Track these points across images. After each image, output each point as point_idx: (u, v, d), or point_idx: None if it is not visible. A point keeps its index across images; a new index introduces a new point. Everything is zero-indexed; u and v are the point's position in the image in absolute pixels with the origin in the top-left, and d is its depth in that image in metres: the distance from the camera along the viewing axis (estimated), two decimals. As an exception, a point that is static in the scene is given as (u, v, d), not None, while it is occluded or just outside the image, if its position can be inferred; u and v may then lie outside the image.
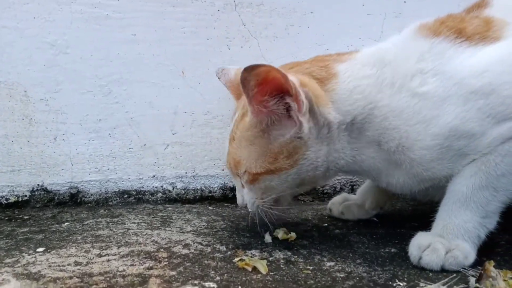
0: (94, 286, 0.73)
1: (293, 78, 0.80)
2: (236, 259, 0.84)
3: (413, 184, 0.87)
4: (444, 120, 0.79)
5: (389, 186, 0.92)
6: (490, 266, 0.70)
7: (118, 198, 1.30)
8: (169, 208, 1.24)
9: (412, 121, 0.81)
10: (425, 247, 0.80)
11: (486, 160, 0.79)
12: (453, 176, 0.83)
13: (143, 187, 1.30)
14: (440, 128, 0.79)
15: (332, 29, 1.31)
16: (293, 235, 0.96)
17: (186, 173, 1.32)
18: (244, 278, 0.76)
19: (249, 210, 0.94)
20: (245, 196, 0.94)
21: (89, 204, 1.28)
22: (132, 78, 1.26)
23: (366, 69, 0.85)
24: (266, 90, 0.80)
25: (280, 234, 0.97)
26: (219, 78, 1.11)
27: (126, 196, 1.30)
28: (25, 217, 1.17)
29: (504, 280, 0.70)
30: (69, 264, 0.83)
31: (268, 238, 0.96)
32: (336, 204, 1.15)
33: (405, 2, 1.33)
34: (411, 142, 0.81)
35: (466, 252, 0.79)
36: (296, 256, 0.87)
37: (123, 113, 1.27)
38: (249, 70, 0.77)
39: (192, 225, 1.08)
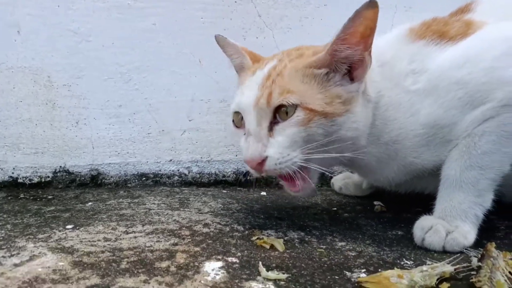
0: (126, 259, 0.79)
1: None
2: (254, 238, 0.90)
3: (401, 176, 0.96)
4: (429, 110, 0.88)
5: (376, 182, 1.05)
6: (491, 247, 0.76)
7: (136, 180, 1.36)
8: (186, 191, 1.31)
9: (408, 113, 0.90)
10: (428, 228, 0.87)
11: (466, 143, 0.87)
12: (439, 164, 0.92)
13: (160, 170, 1.37)
14: (427, 118, 0.89)
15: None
16: (282, 276, 0.73)
17: (201, 158, 1.38)
18: (263, 255, 0.82)
19: (266, 169, 0.83)
20: (271, 149, 0.83)
21: (109, 186, 1.34)
22: (152, 66, 1.32)
23: (374, 62, 0.91)
24: (359, 36, 0.83)
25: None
26: (223, 47, 1.03)
27: (144, 178, 1.36)
28: (49, 197, 1.24)
29: (504, 261, 0.76)
30: (99, 240, 0.89)
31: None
32: (337, 180, 1.32)
33: (415, -4, 1.38)
34: (407, 131, 0.91)
35: (465, 233, 0.86)
36: (309, 237, 0.93)
37: (143, 99, 1.33)
38: (370, 7, 0.81)
39: (209, 206, 1.14)
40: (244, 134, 0.89)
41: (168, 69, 1.32)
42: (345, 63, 0.86)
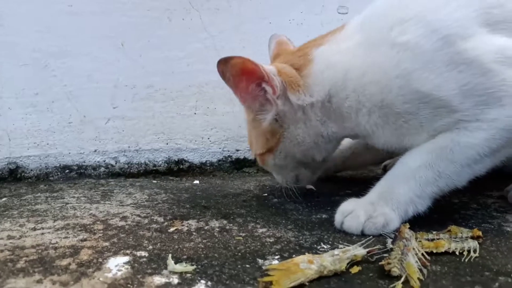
0: (25, 258, 0.73)
1: (269, 67, 0.90)
2: (171, 229, 0.86)
3: (394, 140, 0.87)
4: (426, 77, 0.76)
5: (377, 145, 0.92)
6: (405, 228, 0.75)
7: (59, 173, 1.28)
8: (112, 183, 1.24)
9: (392, 74, 0.78)
10: (348, 212, 0.84)
11: (443, 143, 0.80)
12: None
13: (84, 161, 1.29)
14: (422, 85, 0.77)
15: (275, 3, 1.32)
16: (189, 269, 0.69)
17: (129, 147, 1.31)
18: (176, 246, 0.78)
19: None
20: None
21: (29, 180, 1.26)
22: (71, 51, 1.24)
23: (345, 42, 0.87)
24: (245, 79, 0.89)
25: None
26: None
27: (67, 171, 1.28)
28: (-39, 194, 1.14)
29: (419, 241, 0.75)
30: (1, 238, 0.82)
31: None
32: None
33: (345, -24, 1.35)
34: (393, 96, 0.80)
35: (388, 220, 0.82)
36: (231, 225, 0.90)
37: (61, 86, 1.25)
38: (224, 63, 0.86)
39: (133, 198, 1.08)
40: None
41: (88, 54, 1.24)
42: (259, 93, 0.92)
